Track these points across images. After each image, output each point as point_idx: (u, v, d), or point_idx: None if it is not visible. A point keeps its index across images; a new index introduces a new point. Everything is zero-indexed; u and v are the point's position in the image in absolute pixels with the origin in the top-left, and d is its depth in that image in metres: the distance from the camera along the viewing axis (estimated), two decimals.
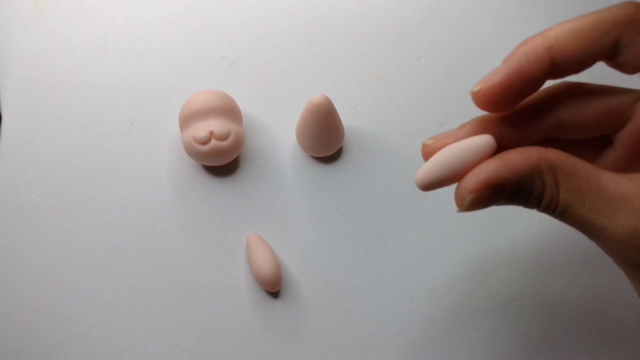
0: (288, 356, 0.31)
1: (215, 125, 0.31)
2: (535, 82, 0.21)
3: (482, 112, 0.22)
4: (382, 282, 0.32)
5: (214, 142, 0.31)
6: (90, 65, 0.36)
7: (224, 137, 0.31)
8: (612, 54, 0.21)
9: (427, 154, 0.22)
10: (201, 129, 0.31)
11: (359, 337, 0.31)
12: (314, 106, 0.31)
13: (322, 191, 0.34)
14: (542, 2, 0.38)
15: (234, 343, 0.31)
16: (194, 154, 0.32)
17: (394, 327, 0.31)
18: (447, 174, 0.21)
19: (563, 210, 0.20)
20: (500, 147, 0.22)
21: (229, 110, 0.32)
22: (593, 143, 0.24)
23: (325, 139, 0.32)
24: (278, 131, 0.35)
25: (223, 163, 0.33)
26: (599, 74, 0.24)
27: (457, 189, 0.21)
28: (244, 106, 0.34)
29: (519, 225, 0.33)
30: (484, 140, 0.21)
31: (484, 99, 0.21)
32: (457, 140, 0.21)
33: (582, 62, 0.21)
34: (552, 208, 0.21)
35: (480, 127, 0.22)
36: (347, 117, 0.34)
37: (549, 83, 0.22)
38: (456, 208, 0.21)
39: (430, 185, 0.21)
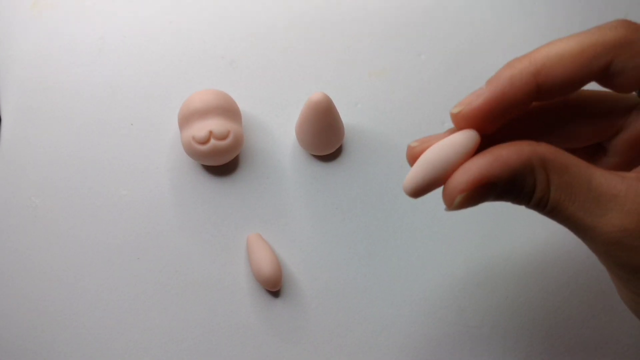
0: (289, 355, 0.31)
1: (215, 124, 0.31)
2: (519, 107, 0.20)
3: None
4: (383, 280, 0.32)
5: (213, 142, 0.31)
6: (89, 65, 0.36)
7: (223, 137, 0.31)
8: (604, 77, 0.20)
9: (412, 157, 0.21)
10: (200, 128, 0.31)
11: (360, 336, 0.31)
12: (314, 104, 0.31)
13: (322, 190, 0.33)
14: None
15: (235, 342, 0.31)
16: (193, 153, 0.32)
17: (395, 325, 0.31)
18: (434, 176, 0.20)
19: (553, 208, 0.20)
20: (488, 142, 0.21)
21: (228, 110, 0.32)
22: (586, 150, 0.24)
23: (325, 137, 0.32)
24: (278, 130, 0.35)
25: (223, 162, 0.33)
26: None
27: (445, 187, 0.20)
28: (243, 105, 0.34)
29: (522, 222, 0.33)
30: (467, 135, 0.20)
31: (463, 122, 0.20)
32: (489, 97, 0.20)
33: (571, 87, 0.20)
34: (542, 205, 0.20)
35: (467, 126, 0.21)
36: (347, 115, 0.34)
37: None
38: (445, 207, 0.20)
39: (419, 190, 0.21)
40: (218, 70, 0.36)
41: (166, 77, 0.36)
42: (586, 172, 0.19)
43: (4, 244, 0.33)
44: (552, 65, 0.20)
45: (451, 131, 0.21)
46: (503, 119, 0.20)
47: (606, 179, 0.19)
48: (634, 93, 0.21)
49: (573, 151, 0.22)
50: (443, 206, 0.20)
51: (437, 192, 0.26)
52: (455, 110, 0.20)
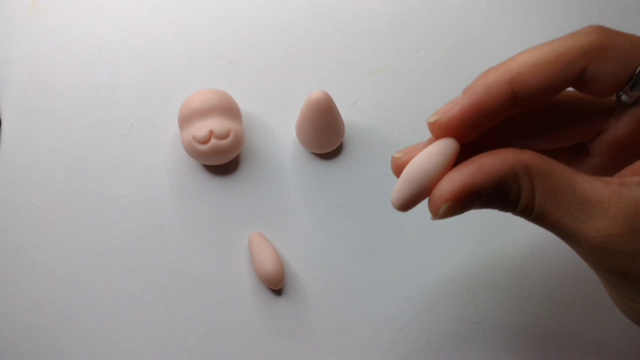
0: (292, 353, 0.31)
1: (215, 124, 0.31)
2: (496, 115, 0.20)
3: None
4: (385, 277, 0.32)
5: (213, 141, 0.31)
6: (89, 66, 0.36)
7: (223, 136, 0.31)
8: (580, 83, 0.20)
9: (397, 168, 0.21)
10: (201, 128, 0.31)
11: (363, 333, 0.31)
12: (314, 103, 0.31)
13: (323, 188, 0.33)
14: None
15: (238, 341, 0.31)
16: (194, 153, 0.32)
17: (398, 322, 0.31)
18: (419, 189, 0.20)
19: (538, 215, 0.20)
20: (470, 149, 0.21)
21: (228, 109, 0.32)
22: (568, 151, 0.24)
23: (325, 135, 0.32)
24: (278, 129, 0.35)
25: (223, 162, 0.33)
26: None
27: (430, 197, 0.20)
28: (243, 104, 0.34)
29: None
30: (445, 145, 0.20)
31: (440, 131, 0.20)
32: (465, 105, 0.20)
33: (547, 94, 0.20)
34: (528, 212, 0.20)
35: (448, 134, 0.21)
36: (347, 113, 0.34)
37: None
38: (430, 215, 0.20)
39: (406, 205, 0.21)
40: (218, 69, 0.36)
41: (166, 77, 0.36)
42: (570, 178, 0.19)
43: (6, 245, 0.33)
44: (528, 72, 0.20)
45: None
46: (481, 127, 0.20)
47: (590, 185, 0.19)
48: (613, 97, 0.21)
49: (556, 152, 0.23)
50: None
51: None
52: (432, 120, 0.20)
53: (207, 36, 0.37)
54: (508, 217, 0.33)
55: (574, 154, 0.24)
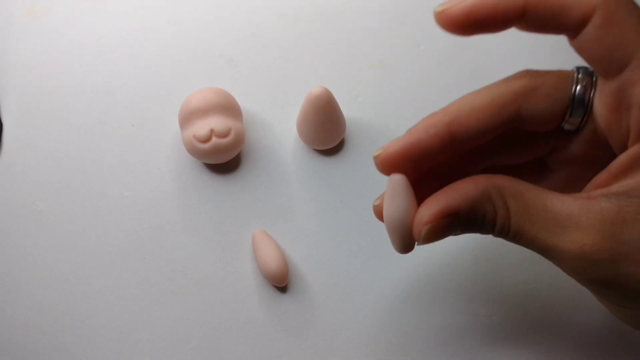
0: (298, 350, 0.31)
1: (215, 122, 0.31)
2: (435, 154, 0.22)
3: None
4: (390, 272, 0.32)
5: (214, 140, 0.31)
6: (88, 67, 0.36)
7: (224, 134, 0.31)
8: (519, 123, 0.22)
9: (378, 214, 0.23)
10: (201, 127, 0.31)
11: (369, 329, 0.31)
12: (314, 99, 0.31)
13: (326, 184, 0.33)
14: None
15: (244, 339, 0.31)
16: (195, 152, 0.32)
17: (404, 317, 0.31)
18: (402, 232, 0.22)
19: (516, 233, 0.21)
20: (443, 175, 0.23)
21: (229, 107, 0.32)
22: (532, 166, 0.25)
23: (326, 131, 0.32)
24: (279, 126, 0.35)
25: (225, 160, 0.33)
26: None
27: (413, 225, 0.22)
28: (243, 102, 0.34)
29: None
30: (395, 182, 0.22)
31: (381, 165, 0.23)
32: (405, 143, 0.22)
33: (483, 135, 0.22)
34: (506, 231, 0.21)
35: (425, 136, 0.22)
36: (347, 109, 0.34)
37: None
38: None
39: (404, 249, 0.23)
40: (217, 68, 0.36)
41: (165, 77, 0.36)
42: (540, 195, 0.20)
43: (10, 248, 0.33)
44: (464, 116, 0.21)
45: (411, 132, 0.22)
46: (421, 164, 0.22)
47: (559, 200, 0.20)
48: None
49: (521, 168, 0.25)
50: None
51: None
52: (376, 154, 0.23)
53: (205, 35, 0.37)
54: None
55: (538, 170, 0.25)
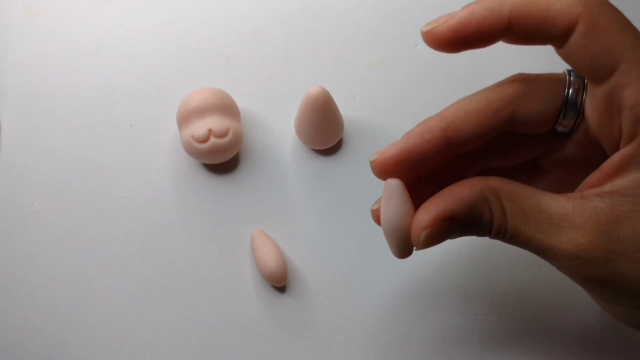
0: (297, 350, 0.31)
1: (214, 122, 0.31)
2: (431, 158, 0.22)
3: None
4: (389, 272, 0.32)
5: (213, 140, 0.31)
6: (85, 68, 0.36)
7: (222, 134, 0.31)
8: (513, 126, 0.22)
9: (377, 219, 0.24)
10: (199, 127, 0.31)
11: (368, 328, 0.31)
12: (312, 98, 0.31)
13: (324, 184, 0.33)
14: None
15: (243, 339, 0.31)
16: (193, 152, 0.32)
17: (402, 316, 0.31)
18: (400, 237, 0.22)
19: (512, 234, 0.21)
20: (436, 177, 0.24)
21: (227, 107, 0.32)
22: (526, 168, 0.25)
23: (324, 131, 0.32)
24: (277, 126, 0.35)
25: (223, 160, 0.33)
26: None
27: (411, 231, 0.22)
28: (241, 102, 0.34)
29: None
30: (391, 187, 0.22)
31: (377, 170, 0.23)
32: (401, 148, 0.22)
33: (478, 139, 0.22)
34: (503, 233, 0.21)
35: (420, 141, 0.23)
36: (345, 109, 0.34)
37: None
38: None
39: (402, 254, 0.23)
40: (215, 68, 0.36)
41: (163, 77, 0.36)
42: (535, 196, 0.21)
43: (8, 249, 0.33)
44: (459, 121, 0.22)
45: (408, 137, 0.23)
46: (417, 168, 0.22)
47: (554, 201, 0.20)
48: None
49: (515, 169, 0.25)
50: None
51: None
52: (372, 158, 0.23)
53: (203, 35, 0.37)
54: None
55: (532, 171, 0.25)
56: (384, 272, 0.32)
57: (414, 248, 0.22)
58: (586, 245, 0.20)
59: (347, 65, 0.36)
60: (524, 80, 0.22)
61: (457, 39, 0.21)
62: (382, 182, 0.33)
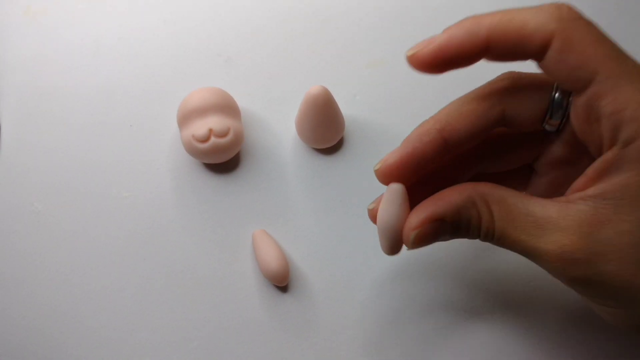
0: (299, 349, 0.31)
1: (214, 122, 0.31)
2: (431, 160, 0.23)
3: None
4: (390, 271, 0.32)
5: (213, 140, 0.31)
6: (85, 68, 0.36)
7: (223, 134, 0.31)
8: (504, 123, 0.23)
9: (373, 217, 0.25)
10: (200, 126, 0.31)
11: (371, 327, 0.31)
12: (312, 97, 0.31)
13: (325, 183, 0.33)
14: None
15: (245, 339, 0.31)
16: (194, 152, 0.32)
17: (405, 315, 0.31)
18: (393, 236, 0.23)
19: (500, 236, 0.22)
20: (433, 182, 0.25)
21: (227, 107, 0.32)
22: (520, 172, 0.26)
23: (325, 130, 0.32)
24: (277, 125, 0.35)
25: (224, 160, 0.33)
26: None
27: (403, 231, 0.23)
28: (241, 102, 0.34)
29: None
30: (393, 190, 0.23)
31: (383, 177, 0.24)
32: (402, 154, 0.24)
33: (474, 137, 0.23)
34: (491, 235, 0.23)
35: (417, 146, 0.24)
36: (346, 107, 0.34)
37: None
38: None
39: (391, 251, 0.24)
40: (215, 68, 0.36)
41: (163, 77, 0.36)
42: (522, 201, 0.22)
43: (8, 250, 0.32)
44: (454, 121, 0.23)
45: (408, 141, 0.24)
46: (419, 170, 0.24)
47: (540, 205, 0.21)
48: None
49: (510, 174, 0.26)
50: None
51: None
52: (376, 167, 0.24)
53: (202, 35, 0.37)
54: None
55: (526, 175, 0.26)
56: (386, 271, 0.32)
57: (405, 248, 0.24)
58: (569, 247, 0.21)
59: (347, 65, 0.36)
60: (514, 79, 0.23)
61: (439, 62, 0.23)
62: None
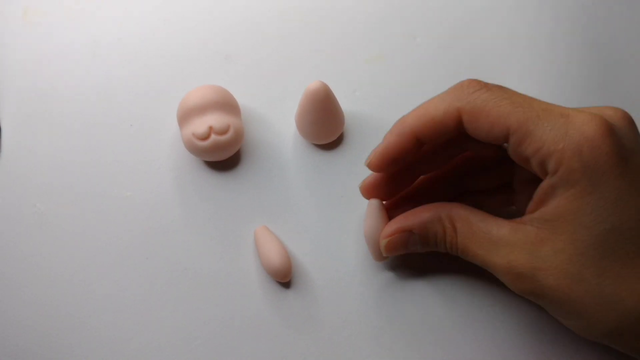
0: (303, 345, 0.31)
1: (214, 119, 0.31)
2: (409, 151, 0.27)
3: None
4: (392, 265, 0.32)
5: (213, 137, 0.31)
6: (84, 69, 0.36)
7: (223, 131, 0.31)
8: (463, 128, 0.25)
9: (362, 190, 0.30)
10: (200, 124, 0.31)
11: (374, 322, 0.31)
12: (312, 93, 0.31)
13: (326, 178, 0.33)
14: None
15: (248, 336, 0.31)
16: (194, 150, 0.32)
17: (408, 310, 0.31)
18: (375, 243, 0.29)
19: (462, 250, 0.26)
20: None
21: (227, 104, 0.32)
22: (505, 190, 0.30)
23: (325, 125, 0.32)
24: (277, 121, 0.35)
25: (224, 157, 0.33)
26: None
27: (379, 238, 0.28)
28: (241, 99, 0.34)
29: None
30: (372, 206, 0.29)
31: (364, 193, 0.29)
32: (384, 148, 0.27)
33: (442, 135, 0.26)
34: (455, 249, 0.27)
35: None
36: (346, 103, 0.34)
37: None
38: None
39: (379, 256, 0.30)
40: (214, 65, 0.36)
41: (162, 76, 0.36)
42: (483, 220, 0.25)
43: (11, 251, 0.32)
44: (422, 124, 0.26)
45: (389, 138, 0.28)
46: (399, 162, 0.27)
47: (497, 224, 0.25)
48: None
49: (492, 192, 0.30)
50: None
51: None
52: (367, 162, 0.28)
53: (201, 32, 0.37)
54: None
55: (508, 192, 0.30)
56: (388, 266, 0.32)
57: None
58: (515, 262, 0.24)
59: (346, 60, 0.36)
60: (470, 87, 0.25)
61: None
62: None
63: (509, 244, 0.24)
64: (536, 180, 0.25)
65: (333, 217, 0.33)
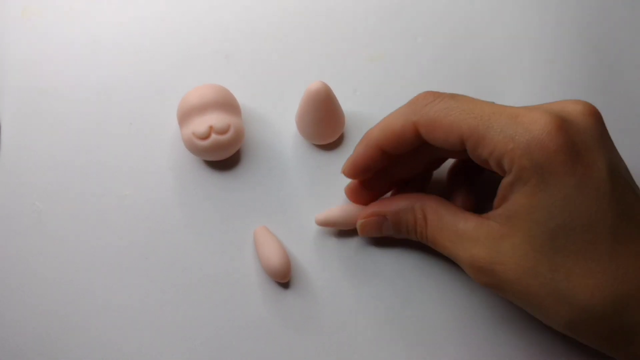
0: (303, 346, 0.31)
1: (214, 119, 0.31)
2: (376, 161, 0.28)
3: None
4: (393, 265, 0.32)
5: (214, 137, 0.31)
6: (84, 68, 0.36)
7: (223, 131, 0.31)
8: (422, 138, 0.26)
9: (347, 193, 0.32)
10: (200, 124, 0.31)
11: (373, 323, 0.31)
12: (313, 93, 0.31)
13: (326, 179, 0.33)
14: None
15: (248, 336, 0.31)
16: (194, 149, 0.32)
17: (408, 311, 0.31)
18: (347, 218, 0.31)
19: (432, 240, 0.28)
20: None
21: (227, 104, 0.32)
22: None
23: (326, 126, 0.32)
24: (278, 121, 0.34)
25: (224, 157, 0.33)
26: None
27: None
28: (241, 98, 0.34)
29: None
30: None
31: (346, 174, 0.30)
32: (354, 159, 0.29)
33: (405, 147, 0.27)
34: (424, 238, 0.28)
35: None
36: (346, 103, 0.34)
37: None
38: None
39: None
40: (214, 65, 0.36)
41: (162, 75, 0.36)
42: (453, 214, 0.27)
43: (10, 250, 0.32)
44: (385, 137, 0.27)
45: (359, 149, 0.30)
46: (371, 169, 0.29)
47: (464, 218, 0.26)
48: None
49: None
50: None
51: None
52: (343, 170, 0.30)
53: (201, 32, 0.36)
54: None
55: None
56: (387, 266, 0.32)
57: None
58: (476, 256, 0.25)
59: (347, 60, 0.36)
60: (427, 98, 0.26)
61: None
62: None
63: (473, 238, 0.25)
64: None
65: None
